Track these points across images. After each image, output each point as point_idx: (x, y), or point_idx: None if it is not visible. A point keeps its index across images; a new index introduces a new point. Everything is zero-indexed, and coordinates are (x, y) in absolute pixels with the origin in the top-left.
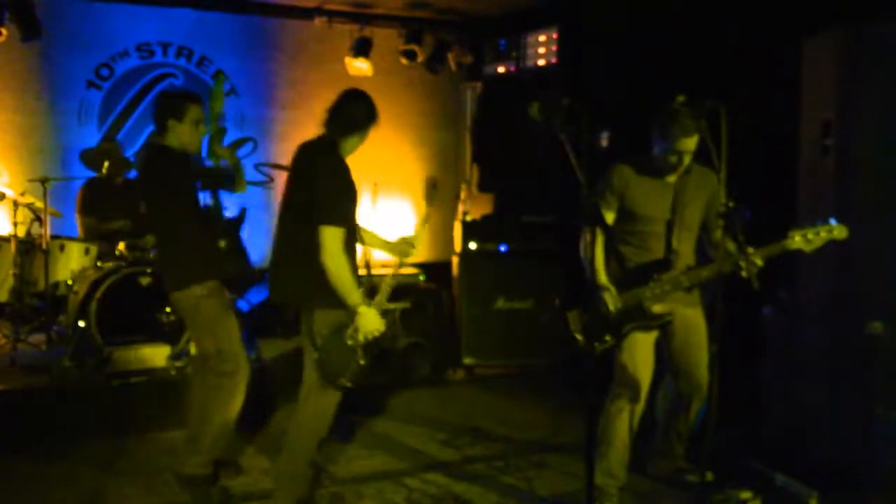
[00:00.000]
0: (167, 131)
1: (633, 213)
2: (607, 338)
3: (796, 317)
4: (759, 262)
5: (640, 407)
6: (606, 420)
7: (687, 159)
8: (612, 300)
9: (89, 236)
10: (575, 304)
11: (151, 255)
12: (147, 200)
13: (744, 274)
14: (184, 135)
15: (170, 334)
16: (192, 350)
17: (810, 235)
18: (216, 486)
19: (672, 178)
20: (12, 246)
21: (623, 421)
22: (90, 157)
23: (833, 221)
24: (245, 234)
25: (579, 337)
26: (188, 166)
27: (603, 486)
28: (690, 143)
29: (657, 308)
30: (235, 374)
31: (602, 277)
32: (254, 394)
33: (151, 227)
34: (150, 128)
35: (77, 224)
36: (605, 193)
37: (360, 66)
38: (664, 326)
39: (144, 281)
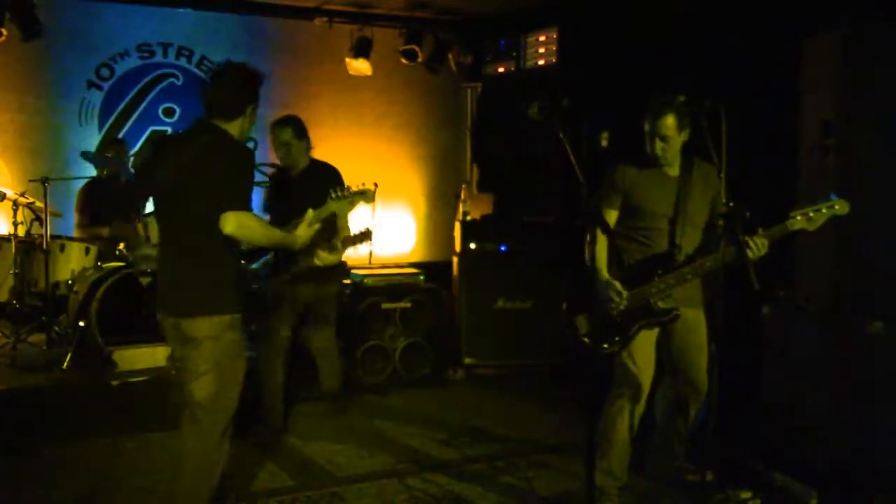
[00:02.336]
0: (239, 118)
1: (638, 209)
2: (616, 338)
3: (796, 317)
4: (763, 241)
5: (641, 407)
6: (606, 420)
7: (672, 144)
8: (617, 294)
9: (80, 234)
10: (581, 308)
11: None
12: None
13: (750, 255)
14: (247, 130)
15: None
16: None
17: (812, 213)
18: None
19: (673, 173)
20: (12, 246)
21: (623, 421)
22: (96, 158)
23: (834, 196)
24: None
25: (587, 341)
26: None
27: (603, 486)
28: (668, 124)
29: (664, 304)
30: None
31: (605, 274)
32: (256, 394)
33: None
34: (151, 127)
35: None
36: (609, 193)
37: (360, 66)
38: (671, 322)
39: (145, 281)
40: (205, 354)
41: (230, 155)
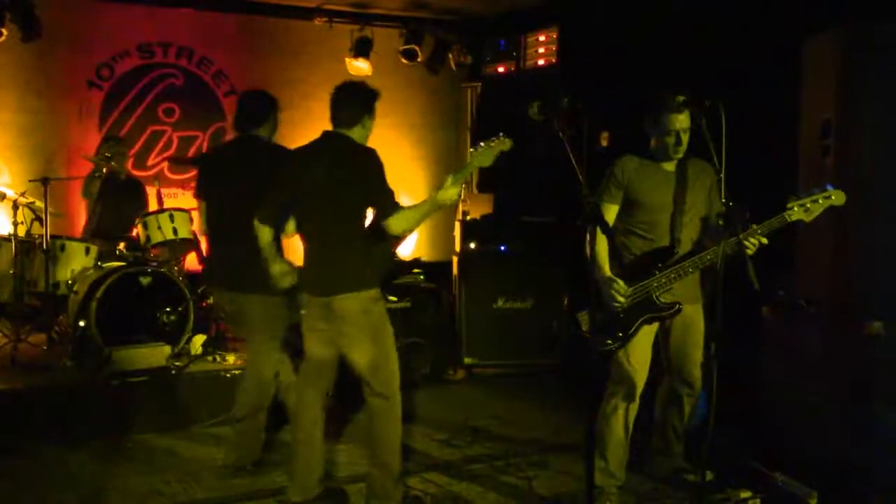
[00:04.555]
0: (356, 125)
1: (638, 202)
2: (619, 334)
3: (796, 317)
4: (762, 236)
5: (635, 406)
6: (602, 419)
7: (685, 138)
8: (619, 292)
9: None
10: (583, 304)
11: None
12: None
13: (749, 251)
14: (365, 136)
15: (170, 334)
16: (193, 349)
17: (809, 204)
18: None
19: (671, 167)
20: (13, 246)
21: (618, 419)
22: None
23: (829, 187)
24: None
25: (590, 337)
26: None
27: (602, 485)
28: (683, 120)
29: (666, 297)
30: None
31: (607, 271)
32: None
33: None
34: (151, 127)
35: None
36: (610, 187)
37: (360, 66)
38: (674, 315)
39: (144, 281)
40: (360, 325)
41: (364, 156)
